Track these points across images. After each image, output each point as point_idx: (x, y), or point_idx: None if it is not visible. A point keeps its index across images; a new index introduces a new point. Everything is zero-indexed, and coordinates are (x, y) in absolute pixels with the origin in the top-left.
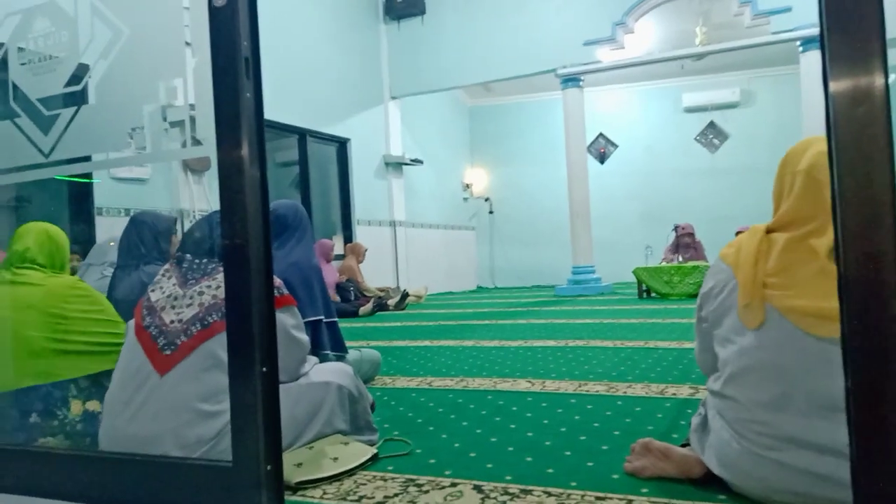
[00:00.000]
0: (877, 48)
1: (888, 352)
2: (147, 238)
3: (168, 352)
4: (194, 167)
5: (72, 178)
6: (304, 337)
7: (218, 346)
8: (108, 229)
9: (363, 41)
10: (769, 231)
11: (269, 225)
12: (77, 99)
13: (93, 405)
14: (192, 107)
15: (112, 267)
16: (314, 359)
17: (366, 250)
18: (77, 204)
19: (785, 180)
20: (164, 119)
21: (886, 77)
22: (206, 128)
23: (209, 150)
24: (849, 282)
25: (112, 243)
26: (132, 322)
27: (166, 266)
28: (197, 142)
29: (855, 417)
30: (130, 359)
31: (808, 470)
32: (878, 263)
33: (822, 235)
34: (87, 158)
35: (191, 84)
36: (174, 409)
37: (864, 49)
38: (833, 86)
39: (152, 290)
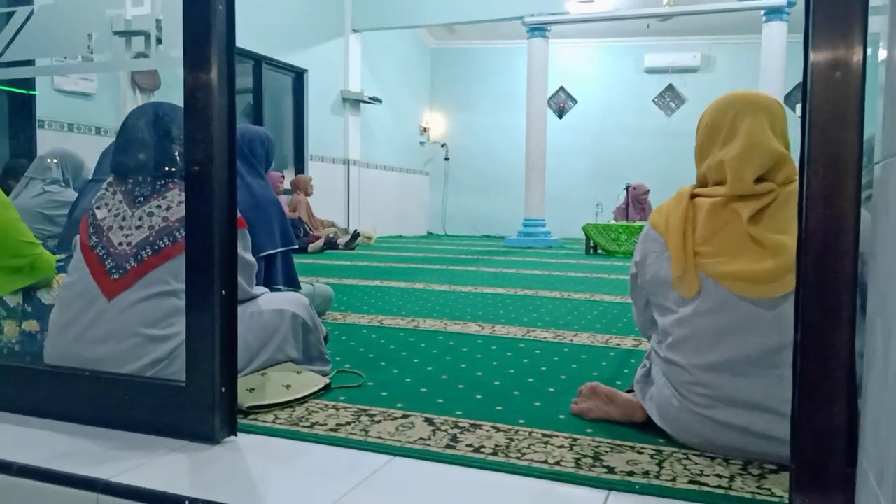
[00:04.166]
0: (859, 13)
1: (840, 298)
2: None
3: (116, 276)
4: (143, 85)
5: (11, 89)
6: (251, 258)
7: (168, 272)
8: (51, 143)
9: None
10: (694, 196)
11: (234, 148)
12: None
13: (30, 325)
14: (158, 22)
15: (55, 183)
16: (264, 288)
17: (310, 179)
18: (17, 116)
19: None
20: (127, 28)
21: (865, 43)
22: (173, 40)
23: (161, 63)
24: (808, 235)
25: (53, 160)
26: (78, 238)
27: (109, 179)
28: (143, 55)
29: (802, 364)
30: (77, 278)
31: (745, 428)
32: (838, 223)
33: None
34: (31, 63)
35: None
36: (122, 335)
37: (847, 14)
38: (814, 49)
39: (97, 207)
